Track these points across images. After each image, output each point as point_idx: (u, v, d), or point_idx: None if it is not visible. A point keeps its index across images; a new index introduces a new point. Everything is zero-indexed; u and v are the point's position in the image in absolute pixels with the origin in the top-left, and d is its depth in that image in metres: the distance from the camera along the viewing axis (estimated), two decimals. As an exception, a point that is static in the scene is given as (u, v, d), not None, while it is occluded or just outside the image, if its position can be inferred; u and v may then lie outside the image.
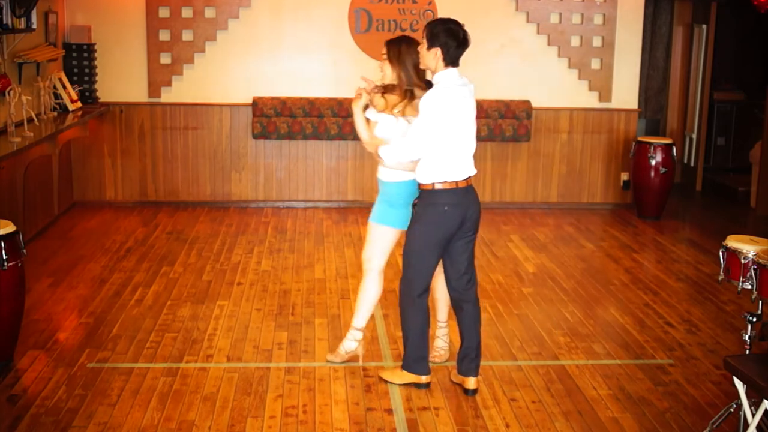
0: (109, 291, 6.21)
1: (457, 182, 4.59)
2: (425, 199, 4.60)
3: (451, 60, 4.49)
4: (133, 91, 8.72)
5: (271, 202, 8.94)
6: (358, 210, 8.77)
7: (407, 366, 4.74)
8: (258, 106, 8.61)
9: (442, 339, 5.10)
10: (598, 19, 8.99)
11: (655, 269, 7.13)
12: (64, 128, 7.59)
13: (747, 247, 4.28)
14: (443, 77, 4.50)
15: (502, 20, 8.90)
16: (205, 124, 8.81)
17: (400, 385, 4.73)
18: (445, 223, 4.59)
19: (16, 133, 6.78)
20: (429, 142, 4.46)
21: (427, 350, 4.77)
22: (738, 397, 3.96)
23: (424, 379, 4.72)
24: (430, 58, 4.50)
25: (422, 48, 4.55)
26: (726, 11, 10.31)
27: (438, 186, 4.55)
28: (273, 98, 8.67)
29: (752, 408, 3.92)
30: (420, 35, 4.64)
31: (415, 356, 4.72)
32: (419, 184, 4.63)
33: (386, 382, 4.78)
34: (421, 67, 4.64)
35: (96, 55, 8.58)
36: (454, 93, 4.48)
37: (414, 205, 4.70)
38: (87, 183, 8.81)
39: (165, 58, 8.67)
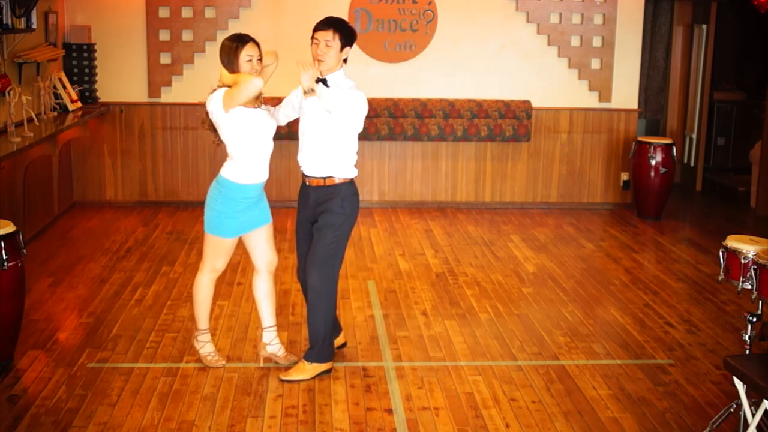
0: (109, 291, 6.21)
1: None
2: (348, 190, 4.80)
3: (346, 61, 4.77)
4: (133, 91, 8.72)
5: (270, 202, 8.86)
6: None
7: (319, 357, 4.80)
8: (258, 106, 8.60)
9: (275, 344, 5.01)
10: (598, 19, 8.99)
11: (655, 269, 7.13)
12: (64, 128, 7.60)
13: (747, 247, 4.28)
14: (341, 76, 4.72)
15: (502, 20, 8.90)
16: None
17: (310, 379, 4.78)
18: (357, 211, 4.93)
19: (16, 133, 6.78)
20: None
21: None
22: (738, 397, 3.96)
23: (330, 364, 4.89)
24: (340, 56, 4.68)
25: (333, 45, 4.63)
26: (726, 11, 10.31)
27: (352, 179, 4.84)
28: (273, 98, 8.65)
29: (752, 408, 3.92)
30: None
31: (329, 342, 4.84)
32: (339, 180, 4.76)
33: (295, 381, 4.76)
34: (323, 66, 4.66)
35: (96, 55, 8.58)
36: None
37: (333, 200, 4.76)
38: (87, 183, 8.81)
39: (165, 58, 8.67)
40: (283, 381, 4.76)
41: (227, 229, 4.75)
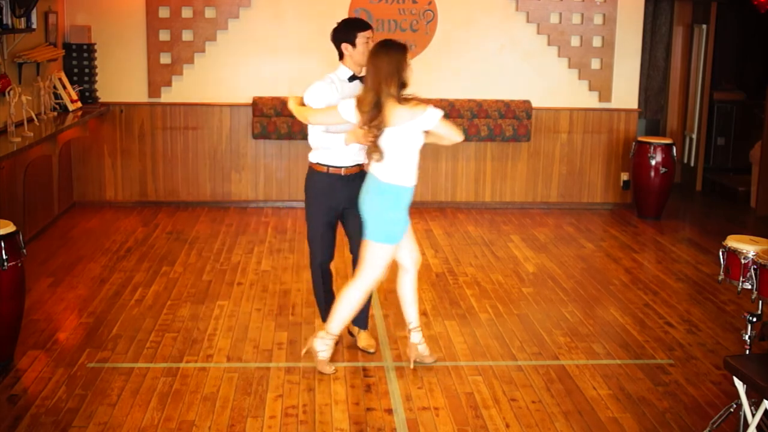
0: (109, 291, 6.21)
1: None
2: None
3: None
4: (133, 91, 8.72)
5: (271, 202, 8.95)
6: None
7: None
8: (258, 106, 8.61)
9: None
10: (598, 19, 8.99)
11: (655, 269, 7.13)
12: (64, 128, 7.60)
13: (747, 247, 4.28)
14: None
15: (502, 20, 8.90)
16: (205, 124, 8.81)
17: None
18: None
19: (16, 133, 6.78)
20: None
21: None
22: (738, 397, 3.96)
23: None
24: None
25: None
26: (726, 11, 10.31)
27: None
28: (273, 98, 8.68)
29: (752, 408, 3.92)
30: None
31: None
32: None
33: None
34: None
35: (96, 55, 8.58)
36: None
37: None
38: (87, 183, 8.81)
39: (165, 58, 8.67)
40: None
41: (397, 235, 4.78)
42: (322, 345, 4.90)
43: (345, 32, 4.94)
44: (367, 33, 4.91)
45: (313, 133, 4.94)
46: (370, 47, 4.85)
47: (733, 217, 9.03)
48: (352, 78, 4.96)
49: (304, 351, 5.00)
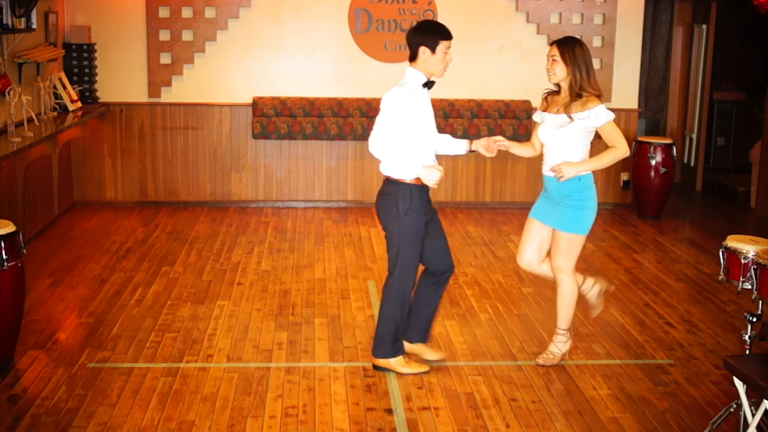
0: (109, 291, 6.21)
1: None
2: None
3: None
4: (133, 91, 8.72)
5: (271, 202, 8.95)
6: (358, 210, 8.78)
7: None
8: (258, 106, 8.61)
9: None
10: (598, 19, 8.99)
11: (655, 269, 7.13)
12: (64, 128, 7.60)
13: (747, 247, 4.28)
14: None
15: (502, 20, 8.90)
16: (205, 124, 8.81)
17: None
18: None
19: (16, 133, 6.79)
20: None
21: None
22: (738, 397, 3.96)
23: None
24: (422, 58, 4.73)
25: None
26: (726, 11, 10.31)
27: None
28: (273, 98, 8.68)
29: (752, 408, 3.92)
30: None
31: None
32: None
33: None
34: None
35: (96, 55, 8.59)
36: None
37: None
38: (87, 183, 8.81)
39: (165, 58, 8.68)
40: None
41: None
42: (562, 341, 5.08)
43: (427, 35, 4.62)
44: (449, 43, 4.63)
45: (386, 145, 4.65)
46: (448, 58, 4.66)
47: (733, 217, 9.03)
48: (425, 84, 4.72)
49: (555, 362, 5.07)
